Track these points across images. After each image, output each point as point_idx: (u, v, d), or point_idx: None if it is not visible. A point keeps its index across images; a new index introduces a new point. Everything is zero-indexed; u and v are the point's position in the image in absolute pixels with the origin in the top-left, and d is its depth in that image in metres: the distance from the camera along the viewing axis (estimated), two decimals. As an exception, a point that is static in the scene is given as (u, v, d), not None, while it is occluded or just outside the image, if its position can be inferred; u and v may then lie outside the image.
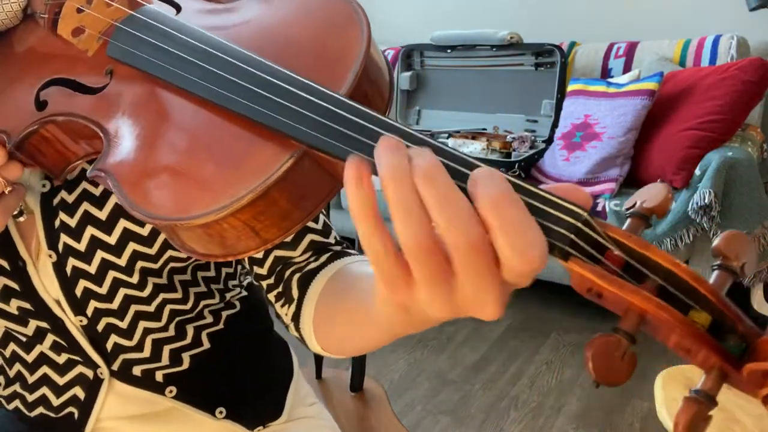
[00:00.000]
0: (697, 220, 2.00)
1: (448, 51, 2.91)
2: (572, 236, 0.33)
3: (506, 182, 0.32)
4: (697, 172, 2.08)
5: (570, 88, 2.54)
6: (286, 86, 0.40)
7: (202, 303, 0.72)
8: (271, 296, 0.65)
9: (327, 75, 0.41)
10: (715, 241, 0.34)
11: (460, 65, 2.93)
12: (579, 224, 0.33)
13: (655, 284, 0.33)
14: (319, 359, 1.10)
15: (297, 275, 0.63)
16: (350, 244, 0.68)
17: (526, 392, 1.96)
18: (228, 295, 0.76)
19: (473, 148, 2.60)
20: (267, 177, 0.38)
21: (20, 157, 0.51)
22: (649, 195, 0.35)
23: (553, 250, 0.33)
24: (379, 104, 0.43)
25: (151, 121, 0.45)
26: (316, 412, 0.82)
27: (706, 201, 1.96)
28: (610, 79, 2.50)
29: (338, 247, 0.65)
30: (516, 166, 2.48)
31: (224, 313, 0.75)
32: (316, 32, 0.45)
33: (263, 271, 0.65)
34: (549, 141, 2.60)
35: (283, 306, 0.64)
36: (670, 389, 0.98)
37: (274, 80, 0.41)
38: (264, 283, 0.66)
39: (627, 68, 2.57)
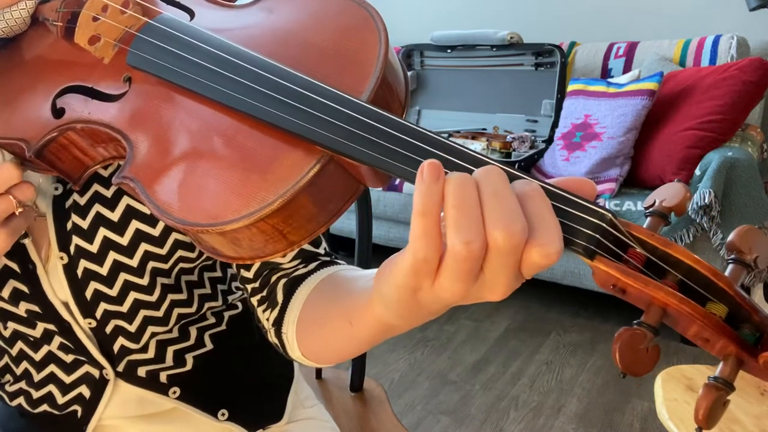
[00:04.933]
0: (697, 220, 2.00)
1: (448, 51, 2.91)
2: (598, 236, 0.34)
3: (539, 187, 0.35)
4: (697, 172, 2.08)
5: (570, 88, 2.54)
6: (310, 94, 0.41)
7: (206, 305, 0.73)
8: (254, 300, 0.65)
9: (347, 81, 0.42)
10: (730, 236, 0.36)
11: (460, 65, 2.93)
12: (604, 225, 0.34)
13: (676, 279, 0.35)
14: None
15: (283, 280, 0.63)
16: (342, 253, 0.68)
17: (526, 392, 1.96)
18: (230, 298, 0.76)
19: (473, 148, 2.59)
20: (295, 182, 0.39)
21: (39, 164, 0.51)
22: (668, 194, 0.37)
23: (579, 250, 0.35)
24: (396, 107, 0.44)
25: (174, 128, 0.46)
26: (317, 413, 0.82)
27: (706, 201, 1.96)
28: (610, 79, 2.50)
29: (327, 258, 0.66)
30: (516, 166, 2.48)
31: (226, 314, 0.75)
32: (333, 38, 0.45)
33: (249, 274, 0.65)
34: (549, 141, 2.60)
35: (265, 311, 0.64)
36: (670, 389, 0.98)
37: (298, 88, 0.41)
38: (249, 287, 0.66)
39: (627, 68, 2.57)
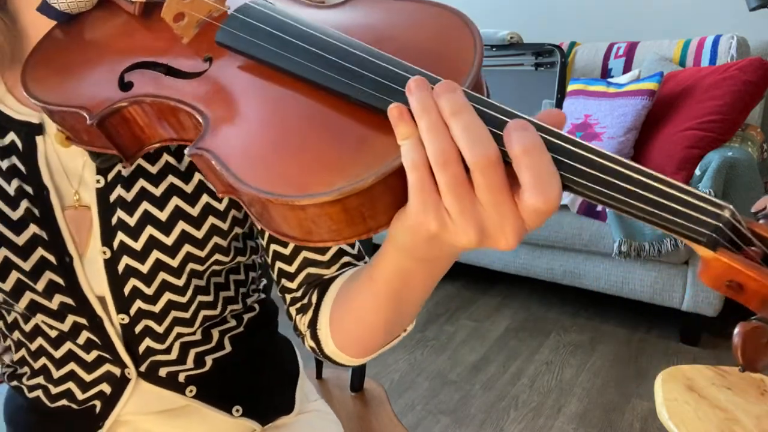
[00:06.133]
0: (697, 220, 2.00)
1: (448, 51, 2.91)
2: (723, 226, 0.34)
3: (537, 134, 0.35)
4: (697, 172, 2.08)
5: (570, 88, 2.54)
6: (409, 76, 0.40)
7: (229, 308, 0.74)
8: (293, 309, 0.66)
9: (444, 74, 0.41)
10: None
11: (460, 65, 2.93)
12: (728, 217, 0.35)
13: None
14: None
15: (318, 286, 0.64)
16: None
17: (526, 392, 1.96)
18: (249, 300, 0.78)
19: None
20: (390, 162, 0.38)
21: (96, 135, 0.51)
22: None
23: (704, 240, 0.35)
24: None
25: (258, 104, 0.45)
26: (321, 406, 0.85)
27: (706, 201, 1.96)
28: (610, 79, 2.50)
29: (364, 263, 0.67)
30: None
31: (245, 317, 0.77)
32: (428, 38, 0.46)
33: (293, 285, 0.66)
34: (549, 141, 2.60)
35: (303, 317, 0.65)
36: (670, 389, 0.98)
37: (399, 71, 0.41)
38: (288, 296, 0.67)
39: (627, 68, 2.58)
